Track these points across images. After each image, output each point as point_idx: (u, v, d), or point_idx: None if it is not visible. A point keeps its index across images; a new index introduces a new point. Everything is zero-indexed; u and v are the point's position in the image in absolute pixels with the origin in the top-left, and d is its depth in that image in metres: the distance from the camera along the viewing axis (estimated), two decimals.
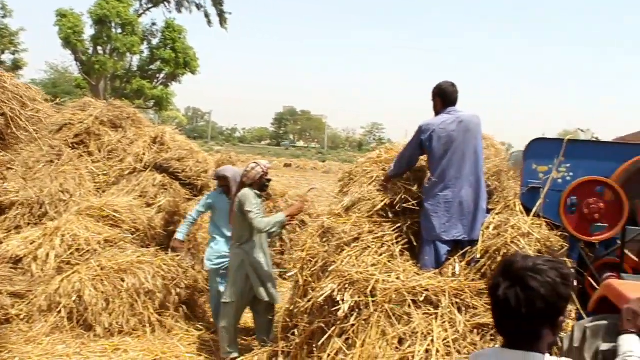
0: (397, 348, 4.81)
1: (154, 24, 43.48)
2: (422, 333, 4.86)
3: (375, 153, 6.59)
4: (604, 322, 2.96)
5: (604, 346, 2.70)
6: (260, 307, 6.58)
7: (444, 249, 5.43)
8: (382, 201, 5.82)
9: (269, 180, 6.68)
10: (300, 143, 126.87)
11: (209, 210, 7.36)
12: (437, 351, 4.75)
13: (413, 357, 4.73)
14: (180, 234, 7.42)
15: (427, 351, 4.77)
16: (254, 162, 6.54)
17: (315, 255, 5.88)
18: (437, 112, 5.65)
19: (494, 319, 1.93)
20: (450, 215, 5.41)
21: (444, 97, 5.61)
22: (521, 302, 1.81)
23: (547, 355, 1.84)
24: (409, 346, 4.81)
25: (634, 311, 2.43)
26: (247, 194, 6.24)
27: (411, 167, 5.76)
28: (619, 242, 5.12)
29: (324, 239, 5.96)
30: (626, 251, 5.15)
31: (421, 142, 5.51)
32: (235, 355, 6.42)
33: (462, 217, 5.43)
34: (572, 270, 2.06)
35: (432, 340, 4.83)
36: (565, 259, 5.28)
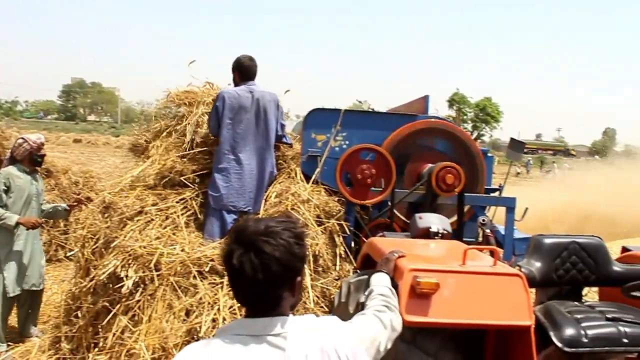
0: (184, 320, 4.78)
1: None
2: (209, 303, 4.88)
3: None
4: (365, 276, 3.20)
5: (364, 298, 2.91)
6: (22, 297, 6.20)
7: (230, 218, 5.46)
8: (170, 172, 5.71)
9: (42, 156, 6.23)
10: (92, 117, 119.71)
11: None
12: (224, 319, 4.82)
13: (200, 327, 4.74)
14: None
15: (214, 320, 4.81)
16: (22, 138, 6.08)
17: (97, 232, 5.62)
18: (236, 85, 5.66)
19: (233, 290, 1.84)
20: (238, 185, 5.47)
21: (241, 70, 5.61)
22: (257, 268, 1.73)
23: (291, 315, 1.84)
24: (196, 317, 4.81)
25: (387, 258, 2.67)
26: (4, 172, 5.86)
27: (217, 134, 5.69)
28: (389, 204, 5.52)
29: (106, 215, 5.71)
30: (395, 212, 5.61)
31: (216, 108, 5.50)
32: (2, 348, 5.94)
33: (248, 188, 5.50)
34: (305, 229, 2.05)
35: (219, 309, 4.89)
36: (342, 221, 5.65)
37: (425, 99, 6.40)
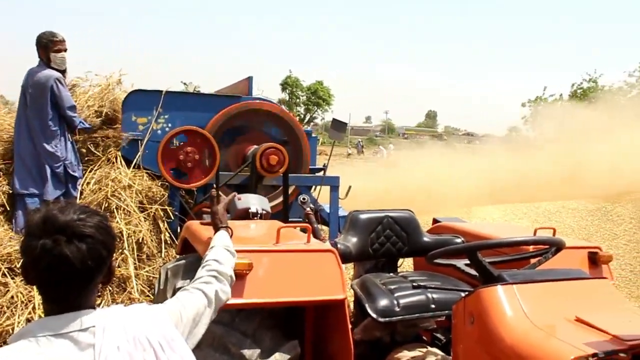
0: None
1: None
2: (22, 302, 4.54)
3: None
4: (182, 261, 3.11)
5: (180, 283, 2.83)
6: None
7: (33, 204, 5.11)
8: None
9: None
10: None
11: None
12: (40, 317, 4.50)
13: (13, 328, 4.38)
14: None
15: (28, 320, 4.47)
16: None
17: None
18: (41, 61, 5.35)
19: (43, 288, 1.67)
20: (25, 170, 5.16)
21: (39, 47, 5.30)
22: (85, 255, 1.62)
23: (97, 308, 1.73)
24: (7, 318, 4.45)
25: (214, 212, 2.57)
26: None
27: None
28: (214, 186, 5.43)
29: None
30: (221, 194, 5.54)
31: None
32: None
33: (34, 172, 5.21)
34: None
35: (34, 308, 4.56)
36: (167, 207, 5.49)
37: (249, 80, 6.36)
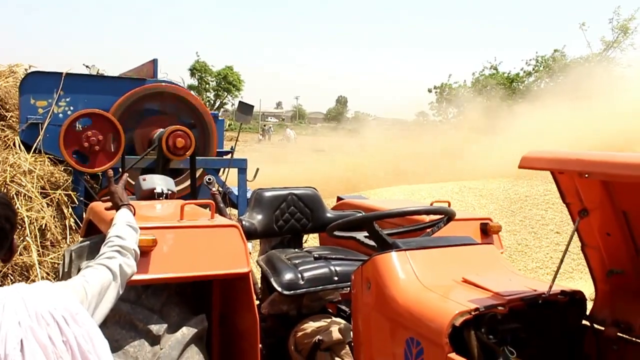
0: None
1: None
2: None
3: None
4: (87, 243, 3.09)
5: (84, 264, 2.82)
6: None
7: None
8: None
9: None
10: None
11: None
12: None
13: None
14: None
15: None
16: None
17: None
18: None
19: None
20: None
21: None
22: None
23: None
24: None
25: (112, 191, 2.57)
26: None
27: None
28: (120, 170, 5.36)
29: None
30: (128, 179, 5.48)
31: None
32: None
33: None
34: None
35: None
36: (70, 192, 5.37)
37: (154, 63, 6.29)
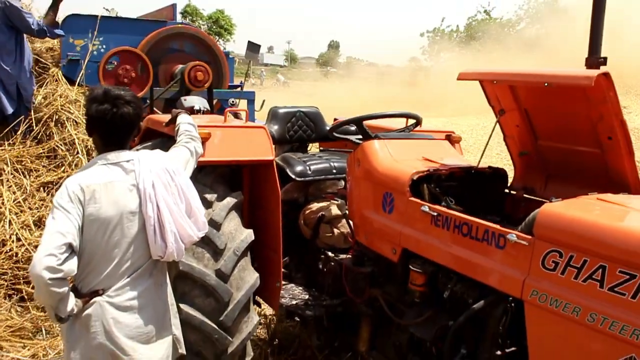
0: None
1: None
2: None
3: None
4: (149, 144, 4.08)
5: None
6: None
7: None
8: None
9: None
10: None
11: None
12: (10, 210, 5.37)
13: None
14: None
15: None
16: None
17: None
18: None
19: (101, 135, 2.62)
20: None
21: None
22: (132, 115, 2.58)
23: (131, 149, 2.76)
24: None
25: (176, 109, 3.57)
26: None
27: None
28: (148, 101, 6.33)
29: None
30: (155, 109, 6.47)
31: None
32: None
33: (6, 94, 5.89)
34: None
35: (3, 203, 5.42)
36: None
37: (173, 7, 7.22)
